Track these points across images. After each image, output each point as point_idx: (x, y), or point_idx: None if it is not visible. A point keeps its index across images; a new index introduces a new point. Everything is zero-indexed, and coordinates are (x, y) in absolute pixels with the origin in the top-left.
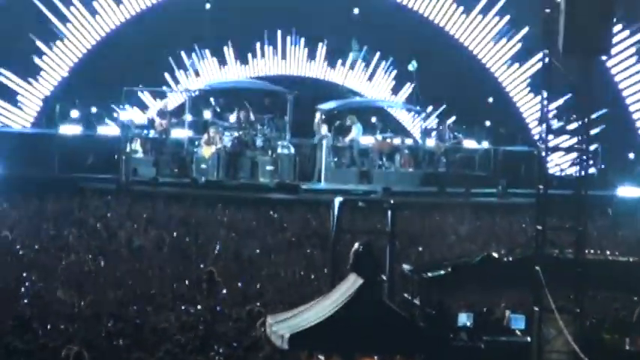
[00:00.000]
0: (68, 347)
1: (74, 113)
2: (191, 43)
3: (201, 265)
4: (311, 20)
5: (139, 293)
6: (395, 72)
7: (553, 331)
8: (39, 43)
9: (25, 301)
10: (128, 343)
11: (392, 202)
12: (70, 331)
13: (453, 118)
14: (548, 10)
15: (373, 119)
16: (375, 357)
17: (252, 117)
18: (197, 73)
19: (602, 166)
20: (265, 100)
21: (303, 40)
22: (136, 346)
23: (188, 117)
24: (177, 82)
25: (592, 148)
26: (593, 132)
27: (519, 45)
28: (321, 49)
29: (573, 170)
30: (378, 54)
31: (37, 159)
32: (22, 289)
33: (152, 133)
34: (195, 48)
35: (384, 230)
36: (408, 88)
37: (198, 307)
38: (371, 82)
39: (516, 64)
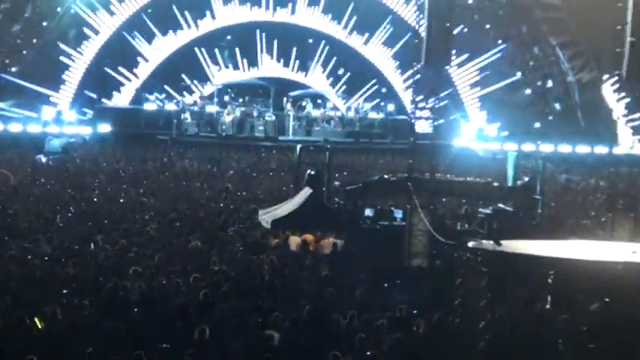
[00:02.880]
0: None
1: (151, 97)
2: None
3: (222, 182)
4: (287, 44)
5: (185, 196)
6: (330, 75)
7: (417, 219)
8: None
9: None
10: (188, 222)
11: (329, 146)
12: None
13: (362, 99)
14: (417, 41)
15: (319, 101)
16: (318, 233)
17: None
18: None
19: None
20: (259, 90)
21: (276, 54)
22: (193, 223)
23: (215, 100)
24: (208, 79)
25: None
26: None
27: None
28: (292, 62)
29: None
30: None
31: (131, 123)
32: (123, 194)
33: (195, 108)
34: (219, 59)
35: (324, 162)
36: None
37: (221, 204)
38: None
39: (399, 70)
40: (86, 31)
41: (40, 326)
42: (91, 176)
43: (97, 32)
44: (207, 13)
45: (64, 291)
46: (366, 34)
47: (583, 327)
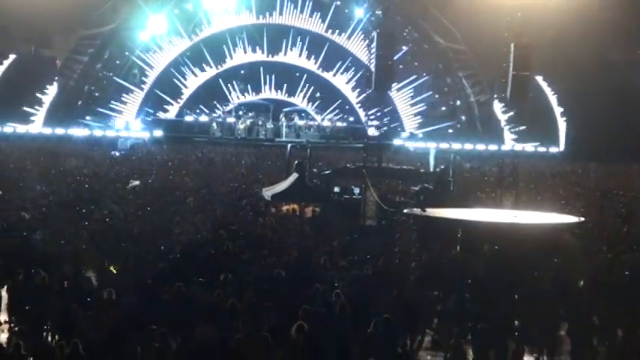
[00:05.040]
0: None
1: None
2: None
3: (238, 169)
4: (280, 76)
5: (213, 178)
6: (310, 97)
7: (369, 194)
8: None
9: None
10: (214, 196)
11: (310, 146)
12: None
13: (332, 113)
14: (368, 74)
15: (303, 114)
16: (303, 203)
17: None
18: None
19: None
20: (262, 107)
21: (274, 83)
22: (217, 197)
23: (233, 114)
24: (228, 100)
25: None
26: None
27: (359, 83)
28: (284, 88)
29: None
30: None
31: (176, 129)
32: (170, 177)
33: (219, 119)
34: (235, 85)
35: (307, 156)
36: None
37: (236, 184)
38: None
39: (357, 93)
40: (145, 67)
41: (114, 271)
42: (149, 165)
43: (152, 67)
44: (227, 55)
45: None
46: (334, 69)
47: (481, 264)
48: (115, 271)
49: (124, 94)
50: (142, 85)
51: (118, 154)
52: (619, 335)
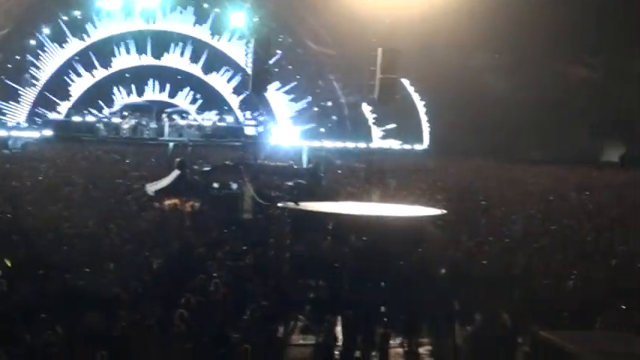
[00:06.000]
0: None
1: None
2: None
3: (122, 167)
4: (164, 80)
5: (99, 174)
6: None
7: (246, 189)
8: None
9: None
10: (101, 191)
11: (190, 144)
12: None
13: (213, 114)
14: (246, 77)
15: (184, 115)
16: (184, 198)
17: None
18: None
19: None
20: (146, 108)
21: (158, 86)
22: (103, 191)
23: (118, 114)
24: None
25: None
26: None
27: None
28: (167, 91)
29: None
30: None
31: (65, 129)
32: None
33: (105, 120)
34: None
35: (187, 154)
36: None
37: (121, 180)
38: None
39: (235, 95)
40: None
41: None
42: (38, 163)
43: (42, 70)
44: (113, 59)
45: None
46: (214, 73)
47: (350, 254)
48: (9, 265)
49: (15, 96)
50: (33, 87)
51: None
52: (478, 320)
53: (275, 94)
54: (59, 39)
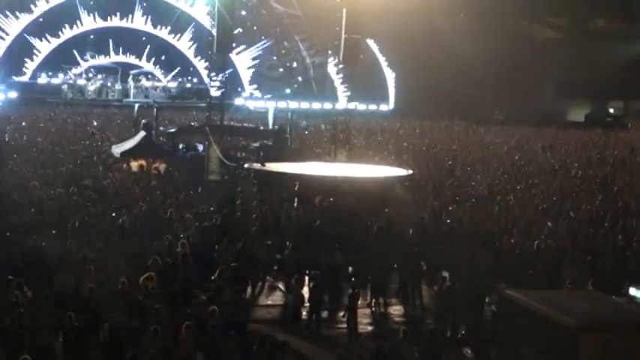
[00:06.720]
0: None
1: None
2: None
3: (88, 128)
4: (128, 41)
5: (65, 137)
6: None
7: (212, 150)
8: None
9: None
10: (68, 153)
11: (156, 106)
12: None
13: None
14: (210, 38)
15: (149, 76)
16: (150, 159)
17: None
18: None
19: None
20: (111, 70)
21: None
22: (70, 154)
23: (84, 76)
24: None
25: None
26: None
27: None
28: (132, 52)
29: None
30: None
31: (30, 91)
32: (25, 135)
33: (70, 82)
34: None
35: (153, 115)
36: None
37: (87, 142)
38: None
39: (200, 56)
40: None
41: None
42: (5, 123)
43: (7, 33)
44: (78, 22)
45: None
46: (179, 34)
47: (317, 215)
48: None
49: None
50: None
51: None
52: (443, 277)
53: (240, 55)
54: (24, 2)
